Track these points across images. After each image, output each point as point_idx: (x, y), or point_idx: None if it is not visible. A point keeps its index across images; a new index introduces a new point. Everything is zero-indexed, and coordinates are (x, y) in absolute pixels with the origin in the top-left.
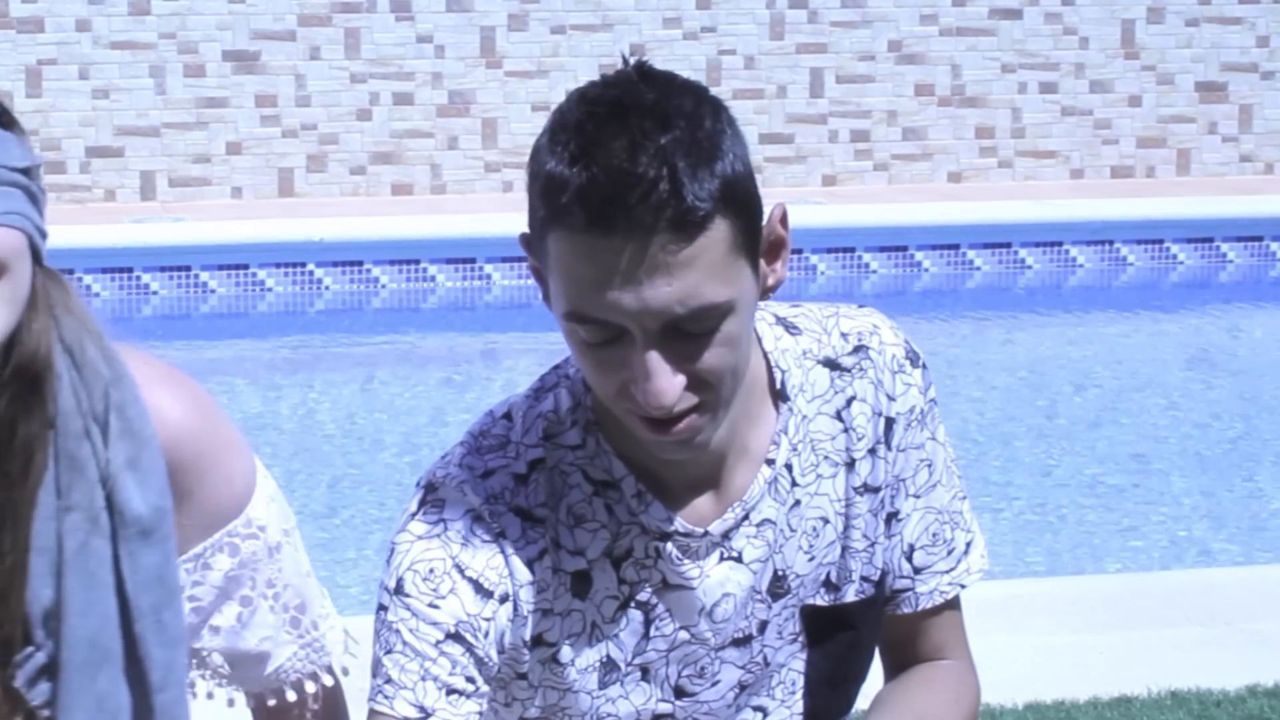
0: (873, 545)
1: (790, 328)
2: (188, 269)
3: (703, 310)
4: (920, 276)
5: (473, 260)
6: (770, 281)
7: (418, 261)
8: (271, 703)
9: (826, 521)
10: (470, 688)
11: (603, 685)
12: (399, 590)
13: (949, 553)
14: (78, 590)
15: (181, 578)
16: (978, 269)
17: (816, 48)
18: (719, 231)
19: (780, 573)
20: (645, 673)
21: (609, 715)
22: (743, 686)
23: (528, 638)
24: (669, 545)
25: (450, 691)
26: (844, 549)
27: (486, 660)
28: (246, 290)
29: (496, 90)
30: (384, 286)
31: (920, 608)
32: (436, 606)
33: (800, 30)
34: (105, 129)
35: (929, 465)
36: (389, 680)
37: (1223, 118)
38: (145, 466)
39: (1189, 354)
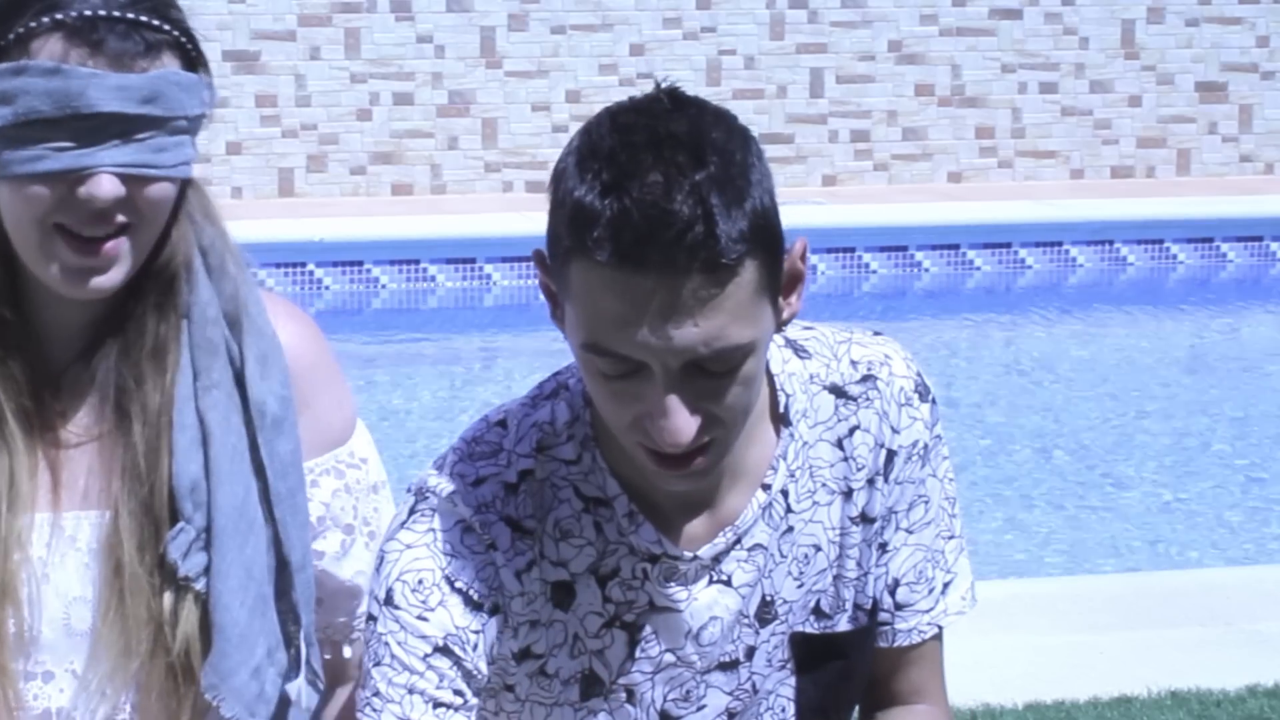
0: (865, 575)
1: (800, 351)
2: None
3: (727, 352)
4: (920, 276)
5: (473, 260)
6: (785, 315)
7: (418, 261)
8: (347, 653)
9: (819, 549)
10: (458, 700)
11: (585, 698)
12: (388, 601)
13: (929, 592)
14: (223, 460)
15: None
16: (978, 269)
17: (816, 48)
18: (748, 274)
19: (768, 598)
20: (630, 695)
21: None
22: (731, 714)
23: (516, 650)
24: (657, 568)
25: (437, 705)
26: (836, 577)
27: (475, 673)
28: None
29: (496, 90)
30: (384, 286)
31: (896, 644)
32: (425, 619)
33: (800, 30)
34: None
35: (925, 502)
36: (377, 693)
37: (1223, 118)
38: (271, 361)
39: (1189, 354)
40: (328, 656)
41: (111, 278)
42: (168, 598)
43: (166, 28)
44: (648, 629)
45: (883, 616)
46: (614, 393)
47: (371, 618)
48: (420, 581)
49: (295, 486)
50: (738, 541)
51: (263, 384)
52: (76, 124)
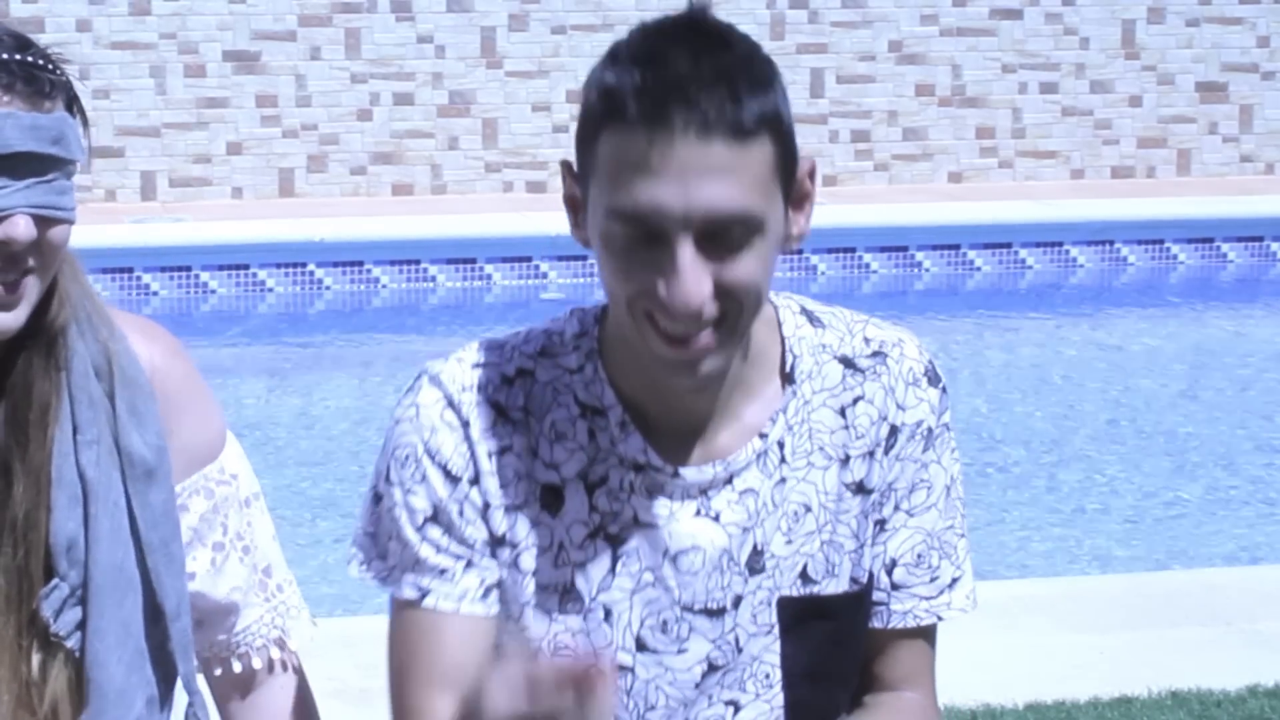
0: (862, 547)
1: (814, 320)
2: (188, 269)
3: (742, 217)
4: (920, 276)
5: (473, 260)
6: (794, 230)
7: (418, 261)
8: (237, 669)
9: (809, 510)
10: (460, 564)
11: (562, 610)
12: (387, 477)
13: (931, 580)
14: (103, 518)
15: None
16: (978, 269)
17: (817, 48)
18: (766, 149)
19: (759, 547)
20: (608, 614)
21: (566, 648)
22: (712, 666)
23: (494, 533)
24: (642, 479)
25: (441, 571)
26: (826, 543)
27: (470, 538)
28: (246, 290)
29: (497, 90)
30: (384, 286)
31: (891, 625)
32: (413, 493)
33: (800, 30)
34: (105, 129)
35: (927, 486)
36: (395, 566)
37: (1223, 118)
38: (143, 411)
39: (1189, 354)
40: (218, 672)
41: (17, 316)
42: (36, 658)
43: (60, 71)
44: (630, 543)
45: (879, 596)
46: (630, 262)
47: (377, 494)
48: (407, 457)
49: (168, 536)
50: (729, 481)
51: (136, 434)
52: None
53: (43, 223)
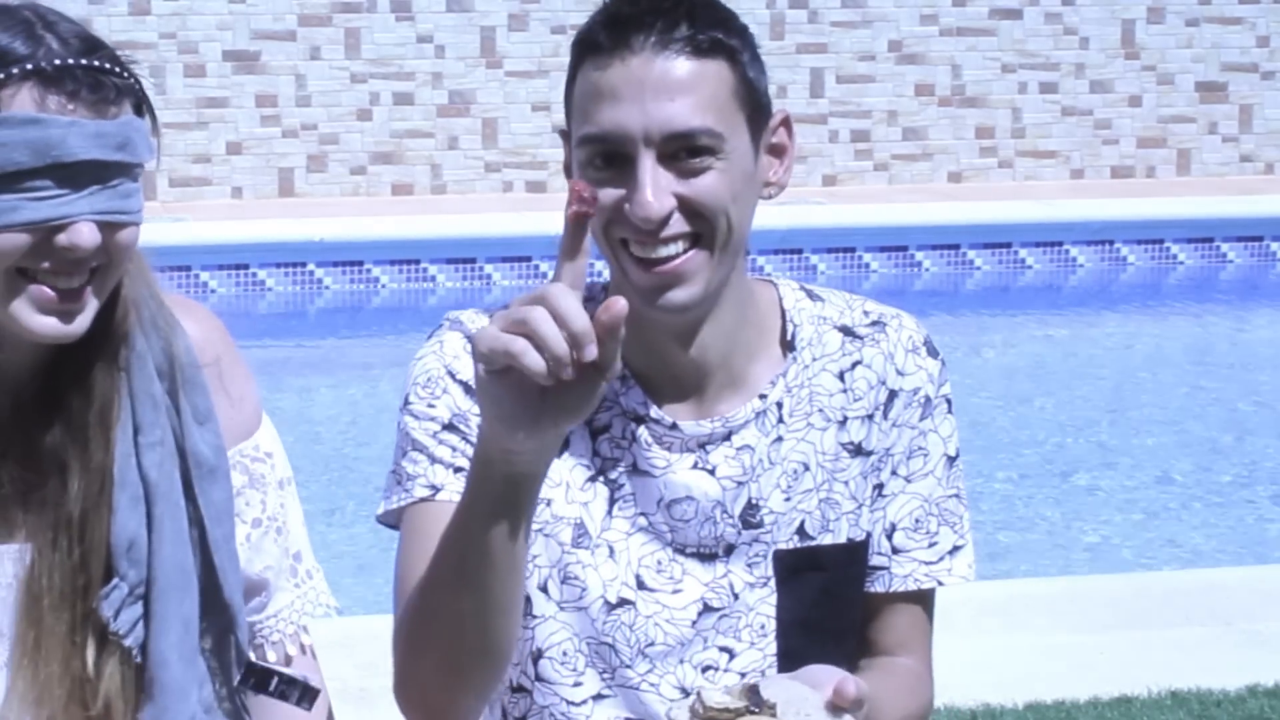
0: (860, 508)
1: (813, 296)
2: (188, 269)
3: (700, 131)
4: (920, 276)
5: (473, 260)
6: (772, 176)
7: (418, 261)
8: (271, 657)
9: (807, 469)
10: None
11: (576, 544)
12: (406, 404)
13: (930, 545)
14: (166, 519)
15: None
16: (978, 269)
17: (816, 48)
18: (722, 70)
19: (754, 502)
20: (611, 551)
21: (576, 579)
22: (708, 607)
23: None
24: (642, 429)
25: (456, 470)
26: (822, 501)
27: None
28: (246, 290)
29: (496, 90)
30: (384, 286)
31: (892, 588)
32: (433, 406)
33: (800, 30)
34: None
35: (924, 454)
36: (408, 476)
37: (1223, 118)
38: (203, 409)
39: (1189, 354)
40: (272, 658)
41: (81, 323)
42: (90, 655)
43: (126, 75)
44: (627, 488)
45: (879, 560)
46: (603, 188)
47: (398, 426)
48: (429, 379)
49: (230, 533)
50: (727, 438)
51: (198, 433)
52: (56, 172)
53: (108, 227)
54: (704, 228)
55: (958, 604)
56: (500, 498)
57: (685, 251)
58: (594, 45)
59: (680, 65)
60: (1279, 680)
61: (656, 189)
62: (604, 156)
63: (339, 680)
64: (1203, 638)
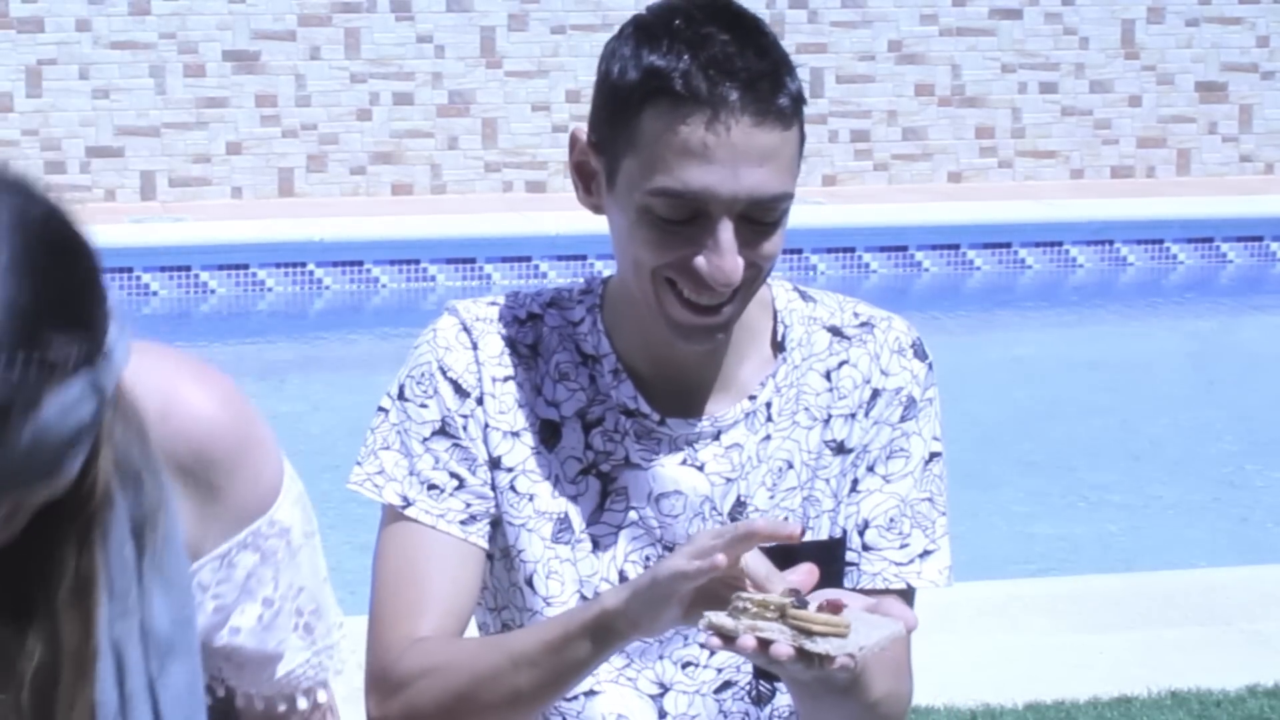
0: (839, 505)
1: (806, 297)
2: (188, 269)
3: (779, 198)
4: (920, 276)
5: (473, 260)
6: None
7: (418, 261)
8: (281, 708)
9: (791, 467)
10: (452, 484)
11: (555, 540)
12: (400, 395)
13: (901, 546)
14: (138, 691)
15: (206, 577)
16: (978, 269)
17: (816, 48)
18: (797, 132)
19: (742, 499)
20: (596, 546)
21: (556, 574)
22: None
23: (491, 454)
24: (633, 423)
25: (431, 487)
26: (805, 499)
27: (472, 456)
28: (246, 290)
29: (496, 90)
30: (384, 286)
31: (860, 585)
32: (425, 406)
33: (800, 30)
34: (105, 129)
35: (905, 455)
36: (381, 472)
37: (1223, 118)
38: (171, 573)
39: (1189, 354)
40: (282, 708)
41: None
42: None
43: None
44: (618, 482)
45: (851, 556)
46: (667, 236)
47: (384, 409)
48: (422, 374)
49: (193, 710)
50: (716, 437)
51: (162, 608)
52: None
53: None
54: (752, 276)
55: (958, 604)
56: (617, 647)
57: (734, 294)
58: (681, 95)
59: (773, 136)
60: (1279, 680)
61: (734, 254)
62: (677, 208)
63: (339, 680)
64: (1203, 638)
